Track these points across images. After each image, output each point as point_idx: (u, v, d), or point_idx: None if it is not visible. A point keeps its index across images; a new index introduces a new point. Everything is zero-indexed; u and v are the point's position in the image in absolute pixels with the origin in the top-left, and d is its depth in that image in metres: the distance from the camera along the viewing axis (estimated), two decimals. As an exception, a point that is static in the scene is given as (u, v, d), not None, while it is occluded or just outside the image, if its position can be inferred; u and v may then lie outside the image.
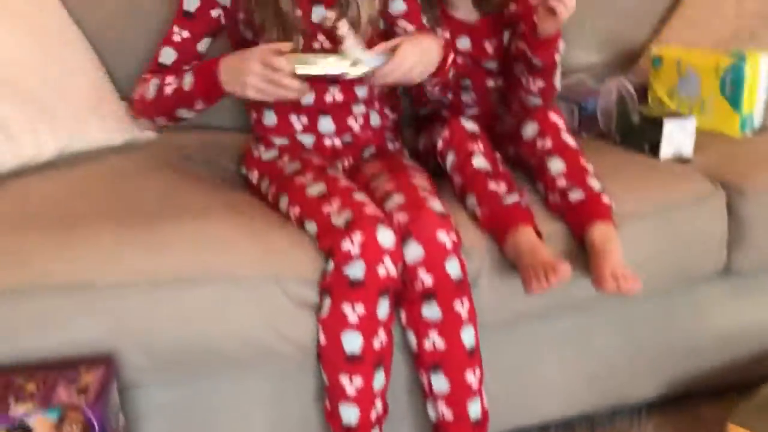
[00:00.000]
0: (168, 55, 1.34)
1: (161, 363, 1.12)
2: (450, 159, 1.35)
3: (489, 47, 1.49)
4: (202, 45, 1.35)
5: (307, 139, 1.40)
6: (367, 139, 1.43)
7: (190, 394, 1.20)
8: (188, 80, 1.27)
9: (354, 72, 1.19)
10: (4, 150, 1.27)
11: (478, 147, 1.34)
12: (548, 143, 1.34)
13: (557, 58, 1.39)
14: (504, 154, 1.42)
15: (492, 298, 1.24)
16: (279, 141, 1.40)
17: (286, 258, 1.16)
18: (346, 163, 1.42)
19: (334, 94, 1.37)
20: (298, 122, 1.39)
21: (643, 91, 1.70)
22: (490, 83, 1.52)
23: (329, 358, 1.14)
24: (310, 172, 1.28)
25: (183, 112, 1.33)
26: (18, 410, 0.95)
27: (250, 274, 1.13)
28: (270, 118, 1.40)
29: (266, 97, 1.19)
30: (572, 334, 1.39)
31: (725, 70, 1.54)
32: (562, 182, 1.30)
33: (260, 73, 1.16)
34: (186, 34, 1.33)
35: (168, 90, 1.30)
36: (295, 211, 1.22)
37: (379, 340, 1.14)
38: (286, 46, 1.19)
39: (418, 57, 1.21)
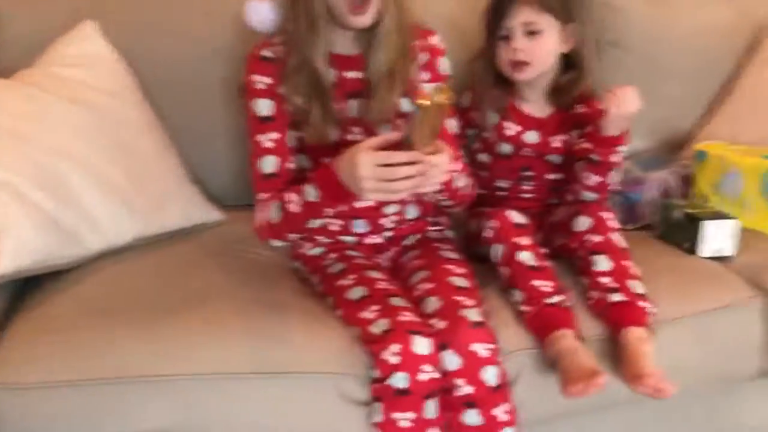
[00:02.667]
0: (269, 164, 1.33)
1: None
2: (496, 251, 1.43)
3: (556, 142, 1.56)
4: (291, 140, 1.36)
5: (348, 238, 1.46)
6: (408, 231, 1.48)
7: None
8: (312, 192, 1.24)
9: None
10: (91, 238, 1.40)
11: (525, 240, 1.41)
12: (597, 239, 1.41)
13: (618, 158, 1.46)
14: (552, 245, 1.49)
15: (533, 396, 1.30)
16: (323, 239, 1.46)
17: (339, 358, 1.24)
18: (390, 255, 1.48)
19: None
20: (334, 225, 1.44)
21: (688, 183, 1.76)
22: (551, 176, 1.60)
23: None
24: (353, 275, 1.33)
25: (314, 222, 1.29)
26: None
27: (308, 371, 1.22)
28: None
29: (391, 196, 1.18)
30: (615, 429, 1.45)
31: (766, 171, 1.59)
32: (605, 281, 1.37)
33: (373, 175, 1.12)
34: (274, 135, 1.33)
35: (293, 207, 1.27)
36: (339, 313, 1.30)
37: None
38: (393, 135, 1.16)
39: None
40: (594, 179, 1.49)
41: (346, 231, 1.45)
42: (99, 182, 1.42)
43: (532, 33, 1.47)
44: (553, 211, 1.59)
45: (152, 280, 1.38)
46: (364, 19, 1.28)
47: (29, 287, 1.37)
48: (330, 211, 1.26)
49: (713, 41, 1.94)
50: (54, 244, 1.33)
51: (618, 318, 1.33)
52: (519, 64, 1.49)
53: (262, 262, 1.51)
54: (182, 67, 1.67)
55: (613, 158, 1.46)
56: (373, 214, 1.44)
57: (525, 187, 1.61)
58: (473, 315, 1.24)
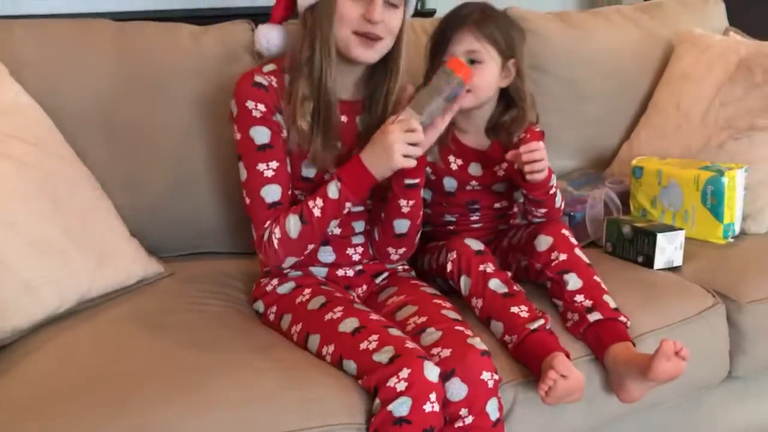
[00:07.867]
0: (274, 192, 1.31)
1: None
2: (464, 283, 1.40)
3: (499, 171, 1.55)
4: (288, 167, 1.34)
5: (318, 270, 1.41)
6: (376, 268, 1.45)
7: None
8: (333, 189, 1.28)
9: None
10: (32, 308, 1.25)
11: (490, 267, 1.40)
12: (563, 257, 1.42)
13: (554, 191, 1.47)
14: (510, 269, 1.48)
15: (524, 428, 1.29)
16: (293, 273, 1.40)
17: (330, 405, 1.17)
18: (360, 292, 1.44)
19: (332, 229, 1.37)
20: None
21: (624, 198, 1.82)
22: (497, 204, 1.59)
23: None
24: (339, 307, 1.29)
25: (326, 231, 1.33)
26: None
27: (296, 427, 1.13)
28: None
29: (414, 156, 1.26)
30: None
31: (705, 182, 1.66)
32: (579, 299, 1.37)
33: (402, 139, 1.24)
34: (274, 164, 1.30)
35: (317, 212, 1.28)
36: (330, 349, 1.24)
37: None
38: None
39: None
40: (541, 212, 1.50)
41: (314, 260, 1.40)
42: (34, 244, 1.27)
43: (473, 62, 1.46)
44: (502, 236, 1.59)
45: (110, 350, 1.24)
46: (371, 54, 1.30)
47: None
48: (349, 205, 1.30)
49: (627, 61, 2.02)
50: (-8, 319, 1.17)
51: (603, 336, 1.34)
52: None
53: (216, 312, 1.40)
54: (106, 109, 1.54)
55: (551, 192, 1.47)
56: (341, 242, 1.41)
57: (473, 218, 1.59)
58: (480, 344, 1.21)
